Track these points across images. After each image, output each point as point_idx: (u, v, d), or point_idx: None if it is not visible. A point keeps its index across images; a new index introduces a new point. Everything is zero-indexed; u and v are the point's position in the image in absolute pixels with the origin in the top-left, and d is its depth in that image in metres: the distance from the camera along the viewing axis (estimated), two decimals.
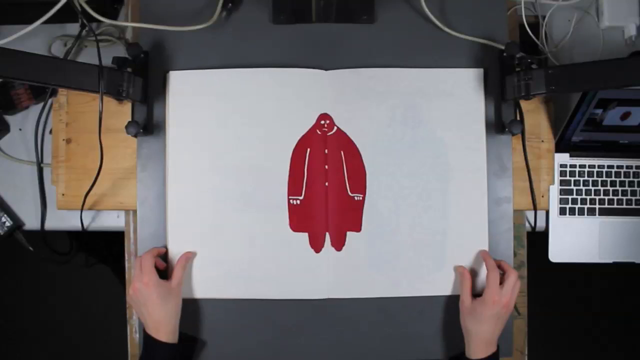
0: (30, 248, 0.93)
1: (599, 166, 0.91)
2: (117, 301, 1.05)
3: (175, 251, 0.85)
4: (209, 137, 0.86)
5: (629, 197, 0.91)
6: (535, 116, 0.89)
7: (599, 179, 0.91)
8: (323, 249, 0.85)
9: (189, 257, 0.84)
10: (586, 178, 0.91)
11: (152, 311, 0.77)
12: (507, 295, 0.78)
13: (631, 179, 0.91)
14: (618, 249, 0.90)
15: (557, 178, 0.90)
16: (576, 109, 0.83)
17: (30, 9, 0.83)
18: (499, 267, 0.82)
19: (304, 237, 0.85)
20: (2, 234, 0.91)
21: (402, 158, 0.86)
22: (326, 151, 0.86)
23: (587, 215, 0.90)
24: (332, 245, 0.85)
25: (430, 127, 0.87)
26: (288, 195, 0.85)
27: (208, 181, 0.86)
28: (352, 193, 0.86)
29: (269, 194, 0.86)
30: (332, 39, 0.88)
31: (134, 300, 0.79)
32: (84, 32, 0.91)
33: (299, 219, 0.85)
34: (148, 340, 0.78)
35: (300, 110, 0.86)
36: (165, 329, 0.78)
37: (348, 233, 0.85)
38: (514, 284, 0.79)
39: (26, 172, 0.93)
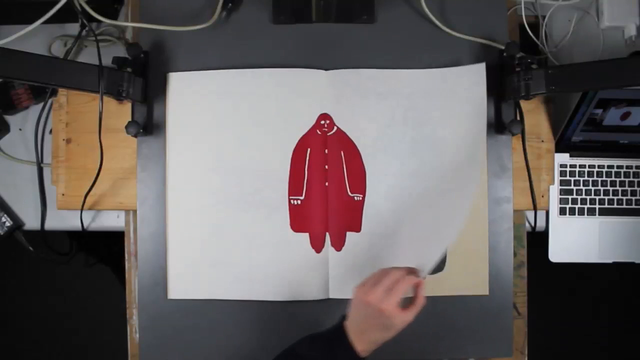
0: (30, 248, 0.93)
1: (599, 166, 0.91)
2: (117, 301, 1.05)
3: (175, 251, 0.85)
4: (209, 137, 0.86)
5: (629, 197, 0.91)
6: (535, 116, 0.89)
7: (599, 179, 0.91)
8: (323, 249, 0.85)
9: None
10: (586, 178, 0.91)
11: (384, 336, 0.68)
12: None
13: (631, 179, 0.91)
14: (618, 249, 0.90)
15: (557, 178, 0.90)
16: (576, 109, 0.83)
17: (30, 9, 0.83)
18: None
19: (304, 237, 0.85)
20: (2, 234, 0.91)
21: (402, 158, 0.86)
22: (326, 151, 0.86)
23: (587, 215, 0.90)
24: (332, 245, 0.85)
25: (430, 127, 0.87)
26: (289, 196, 0.85)
27: (208, 181, 0.86)
28: (351, 193, 0.86)
29: (270, 194, 0.86)
30: (332, 39, 0.88)
31: (390, 317, 0.66)
32: (84, 32, 0.91)
33: (299, 219, 0.85)
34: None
35: (301, 110, 0.86)
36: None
37: (348, 233, 0.86)
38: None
39: (26, 172, 0.93)
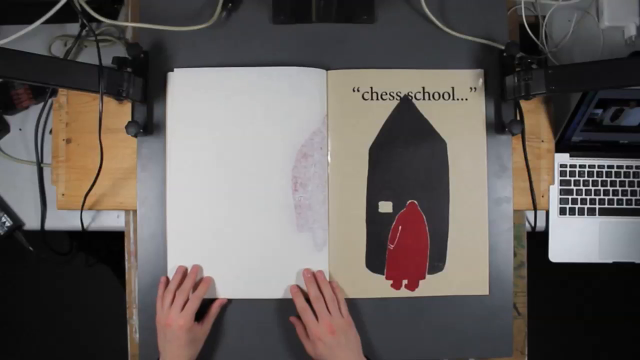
0: (30, 248, 0.93)
1: (599, 166, 0.91)
2: (117, 301, 1.05)
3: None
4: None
5: (629, 197, 0.91)
6: (535, 116, 0.89)
7: (599, 179, 0.91)
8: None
9: (222, 303, 0.84)
10: (586, 178, 0.91)
11: (174, 350, 0.77)
12: (325, 323, 0.75)
13: (631, 179, 0.91)
14: (618, 249, 0.90)
15: (557, 178, 0.90)
16: (576, 109, 0.83)
17: (30, 9, 0.83)
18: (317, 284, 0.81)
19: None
20: (2, 234, 0.91)
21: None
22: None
23: (587, 215, 0.90)
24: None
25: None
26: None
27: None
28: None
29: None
30: (332, 39, 0.88)
31: (163, 333, 0.78)
32: (84, 32, 0.91)
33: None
34: None
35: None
36: None
37: None
38: (325, 308, 0.77)
39: (26, 172, 0.93)
